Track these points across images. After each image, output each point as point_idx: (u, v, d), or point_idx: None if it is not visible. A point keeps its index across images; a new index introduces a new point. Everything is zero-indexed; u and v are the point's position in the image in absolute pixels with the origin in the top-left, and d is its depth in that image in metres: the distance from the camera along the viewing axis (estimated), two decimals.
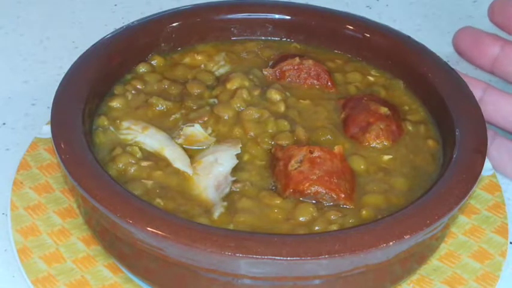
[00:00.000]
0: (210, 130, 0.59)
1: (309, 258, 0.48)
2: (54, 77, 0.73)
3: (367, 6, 0.88)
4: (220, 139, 0.59)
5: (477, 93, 0.63)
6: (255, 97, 0.61)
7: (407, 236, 0.49)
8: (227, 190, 0.55)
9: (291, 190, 0.54)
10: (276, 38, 0.69)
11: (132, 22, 0.66)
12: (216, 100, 0.61)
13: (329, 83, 0.64)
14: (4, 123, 0.69)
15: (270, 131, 0.59)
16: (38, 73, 0.75)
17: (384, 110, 0.60)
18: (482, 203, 0.62)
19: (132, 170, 0.56)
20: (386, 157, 0.58)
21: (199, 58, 0.66)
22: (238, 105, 0.60)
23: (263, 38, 0.69)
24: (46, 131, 0.62)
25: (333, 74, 0.65)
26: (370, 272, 0.51)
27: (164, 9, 0.68)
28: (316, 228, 0.52)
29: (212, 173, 0.56)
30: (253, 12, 0.69)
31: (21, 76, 0.74)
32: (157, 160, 0.57)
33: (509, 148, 0.63)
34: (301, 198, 0.54)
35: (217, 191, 0.55)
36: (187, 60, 0.66)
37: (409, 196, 0.55)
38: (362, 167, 0.57)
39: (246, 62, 0.67)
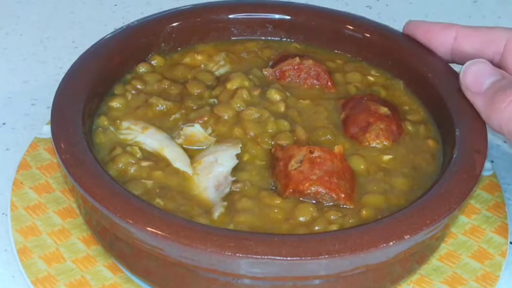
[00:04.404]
0: (210, 130, 0.59)
1: (309, 258, 0.48)
2: (54, 77, 0.73)
3: (367, 6, 0.88)
4: (220, 139, 0.59)
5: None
6: (255, 97, 0.61)
7: (407, 236, 0.49)
8: (227, 190, 0.55)
9: (291, 190, 0.54)
10: (276, 38, 0.69)
11: (132, 22, 0.66)
12: (216, 100, 0.61)
13: (329, 83, 0.64)
14: (4, 123, 0.69)
15: (270, 131, 0.59)
16: (38, 73, 0.75)
17: (384, 110, 0.60)
18: (482, 203, 0.62)
19: (132, 170, 0.56)
20: (386, 157, 0.58)
21: (199, 58, 0.66)
22: (238, 105, 0.60)
23: (263, 38, 0.69)
24: (46, 131, 0.62)
25: (333, 74, 0.65)
26: (370, 272, 0.51)
27: (164, 9, 0.68)
28: (316, 228, 0.52)
29: (212, 173, 0.56)
30: (253, 12, 0.69)
31: (21, 76, 0.74)
32: (157, 160, 0.57)
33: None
34: (301, 198, 0.54)
35: (217, 191, 0.55)
36: (187, 60, 0.66)
37: (409, 196, 0.55)
38: (362, 167, 0.57)
39: (246, 62, 0.67)
